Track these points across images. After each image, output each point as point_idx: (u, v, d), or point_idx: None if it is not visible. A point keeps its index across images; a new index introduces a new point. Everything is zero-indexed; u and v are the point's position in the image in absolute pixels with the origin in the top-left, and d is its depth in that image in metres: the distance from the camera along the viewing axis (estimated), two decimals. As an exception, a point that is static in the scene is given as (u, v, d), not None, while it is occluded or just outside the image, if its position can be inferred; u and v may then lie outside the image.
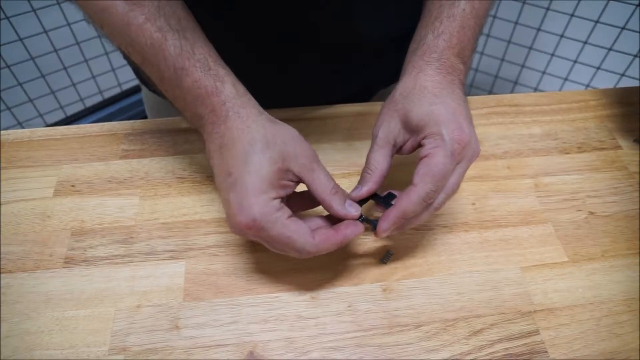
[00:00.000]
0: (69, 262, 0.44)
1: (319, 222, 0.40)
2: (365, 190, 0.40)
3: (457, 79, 0.41)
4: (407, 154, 0.42)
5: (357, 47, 0.56)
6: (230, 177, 0.37)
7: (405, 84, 0.41)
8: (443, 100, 0.39)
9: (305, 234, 0.37)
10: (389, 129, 0.41)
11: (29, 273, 0.43)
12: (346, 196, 0.40)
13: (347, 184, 0.50)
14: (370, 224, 0.41)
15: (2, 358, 0.38)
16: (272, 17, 0.50)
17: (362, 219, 0.40)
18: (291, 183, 0.38)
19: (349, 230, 0.39)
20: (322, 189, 0.38)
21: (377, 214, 0.42)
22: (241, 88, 0.39)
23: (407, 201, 0.37)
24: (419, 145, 0.40)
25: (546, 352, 0.39)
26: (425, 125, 0.38)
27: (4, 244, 0.45)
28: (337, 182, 0.40)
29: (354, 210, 0.39)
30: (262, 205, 0.36)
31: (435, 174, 0.37)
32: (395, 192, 0.41)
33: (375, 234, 0.40)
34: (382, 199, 0.41)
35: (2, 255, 0.44)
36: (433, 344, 0.40)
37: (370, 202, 0.42)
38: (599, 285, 0.44)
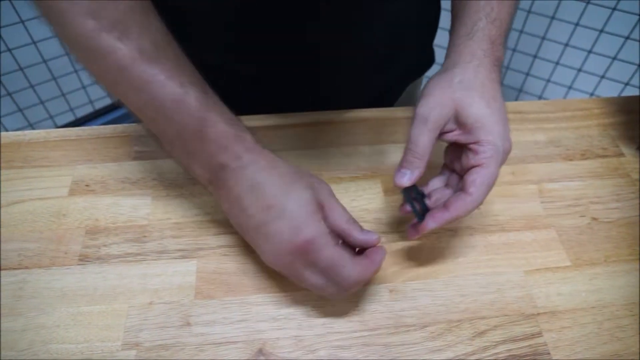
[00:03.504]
0: (83, 259, 0.45)
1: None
2: (416, 174, 0.39)
3: (499, 73, 0.43)
4: (443, 142, 0.42)
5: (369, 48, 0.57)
6: (272, 209, 0.37)
7: (465, 74, 0.40)
8: (498, 107, 0.40)
9: (352, 262, 0.37)
10: (442, 114, 0.39)
11: (45, 269, 0.44)
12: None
13: (355, 187, 0.51)
14: (415, 213, 0.41)
15: (19, 351, 0.39)
16: (273, 30, 0.51)
17: (411, 199, 0.41)
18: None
19: (378, 257, 0.39)
20: (341, 218, 0.39)
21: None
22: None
23: (462, 208, 0.39)
24: (464, 144, 0.40)
25: (549, 354, 0.40)
26: (481, 129, 0.39)
27: (20, 240, 0.46)
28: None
29: (374, 235, 0.39)
30: (317, 225, 0.37)
31: (490, 183, 0.39)
32: (420, 189, 0.42)
33: (421, 227, 0.40)
34: (419, 192, 0.42)
35: (19, 252, 0.45)
36: (438, 344, 0.41)
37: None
38: (601, 289, 0.45)
